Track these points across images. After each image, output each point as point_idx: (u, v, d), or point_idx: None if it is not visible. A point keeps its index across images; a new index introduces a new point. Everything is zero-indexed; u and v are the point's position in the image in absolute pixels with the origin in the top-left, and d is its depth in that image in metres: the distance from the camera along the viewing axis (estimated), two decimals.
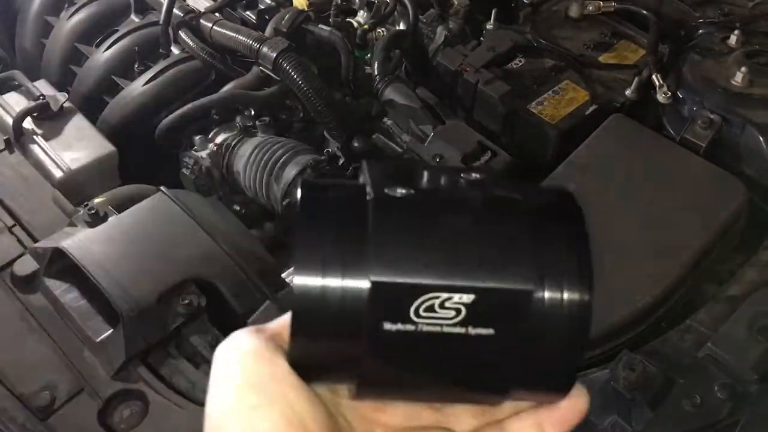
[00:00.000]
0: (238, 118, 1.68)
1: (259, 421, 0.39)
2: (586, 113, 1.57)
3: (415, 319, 0.39)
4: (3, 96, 1.60)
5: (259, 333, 0.43)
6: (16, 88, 1.63)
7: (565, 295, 0.40)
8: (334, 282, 0.39)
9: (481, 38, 1.77)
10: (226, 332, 0.44)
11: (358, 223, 0.40)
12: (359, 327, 0.39)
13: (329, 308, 0.39)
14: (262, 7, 1.82)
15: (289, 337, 0.41)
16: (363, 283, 0.39)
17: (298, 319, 0.40)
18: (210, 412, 0.41)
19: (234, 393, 0.40)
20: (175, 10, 1.74)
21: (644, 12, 1.71)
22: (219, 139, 1.67)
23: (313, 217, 0.41)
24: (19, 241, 1.32)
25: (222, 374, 0.42)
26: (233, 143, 1.64)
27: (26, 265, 1.25)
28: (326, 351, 0.41)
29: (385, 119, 1.65)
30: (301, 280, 0.39)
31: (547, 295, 0.39)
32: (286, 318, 0.44)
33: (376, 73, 1.66)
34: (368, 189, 0.41)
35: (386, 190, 0.40)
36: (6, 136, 1.52)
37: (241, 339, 0.43)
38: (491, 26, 1.78)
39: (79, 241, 1.22)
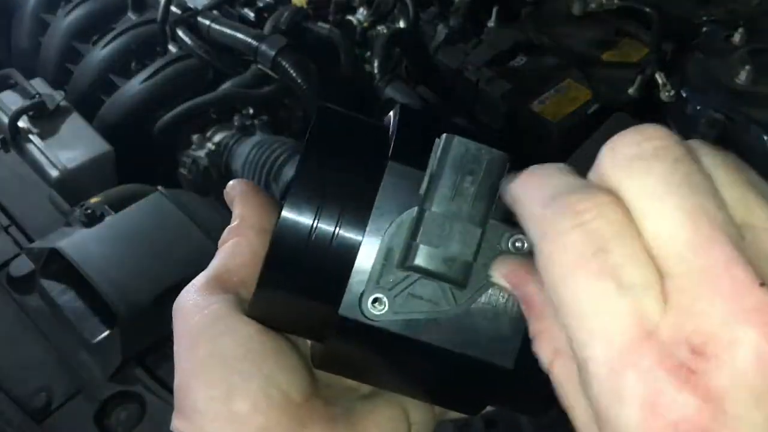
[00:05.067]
0: (236, 117, 1.66)
1: (235, 407, 0.35)
2: (589, 112, 1.55)
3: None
4: None
5: (216, 288, 0.39)
6: (12, 86, 1.62)
7: None
8: (324, 233, 0.34)
9: (482, 36, 1.75)
10: None
11: (370, 181, 0.35)
12: (339, 290, 0.34)
13: (313, 259, 0.35)
14: (261, 4, 1.81)
15: (257, 285, 0.36)
16: (356, 243, 0.34)
17: (275, 267, 0.35)
18: (181, 398, 0.37)
19: (202, 376, 0.36)
20: (172, 8, 1.73)
21: (647, 9, 1.70)
22: (217, 139, 1.65)
23: (323, 152, 0.36)
24: (15, 241, 1.31)
25: (185, 351, 0.37)
26: (231, 142, 1.63)
27: (22, 266, 1.24)
28: (295, 308, 0.37)
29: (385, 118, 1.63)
30: (290, 215, 0.34)
31: None
32: (228, 258, 0.40)
33: (376, 71, 1.65)
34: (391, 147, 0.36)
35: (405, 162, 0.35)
36: (2, 135, 1.50)
37: (200, 302, 0.38)
38: (492, 24, 1.76)
39: (76, 242, 1.20)
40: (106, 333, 1.16)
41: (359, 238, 0.34)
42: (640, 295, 0.25)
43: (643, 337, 0.24)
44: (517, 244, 0.34)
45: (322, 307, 0.36)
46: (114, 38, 1.75)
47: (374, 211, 0.34)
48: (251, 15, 1.79)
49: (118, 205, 1.32)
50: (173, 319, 0.40)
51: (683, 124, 1.51)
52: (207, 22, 1.71)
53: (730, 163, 0.28)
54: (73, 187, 1.45)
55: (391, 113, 0.39)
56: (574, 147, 1.42)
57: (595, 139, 1.42)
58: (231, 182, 0.44)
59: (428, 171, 0.34)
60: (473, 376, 0.36)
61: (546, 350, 0.30)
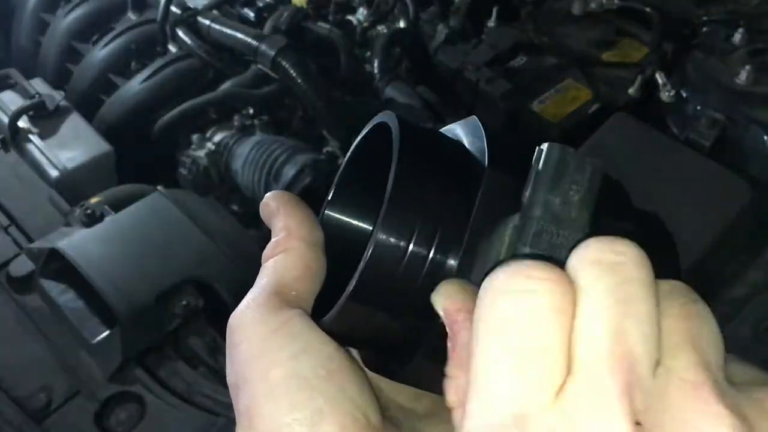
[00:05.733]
0: (236, 117, 1.66)
1: (325, 428, 0.33)
2: (589, 112, 1.55)
3: None
4: None
5: (280, 302, 0.36)
6: (12, 86, 1.62)
7: None
8: (419, 248, 0.34)
9: (483, 36, 1.75)
10: (224, 334, 0.39)
11: (462, 192, 0.34)
12: (428, 310, 0.33)
13: (405, 275, 0.34)
14: (261, 4, 1.81)
15: (343, 304, 0.35)
16: (453, 255, 0.34)
17: (364, 283, 0.34)
18: (254, 421, 0.34)
19: (285, 398, 0.33)
20: (172, 8, 1.72)
21: (647, 10, 1.70)
22: (217, 138, 1.65)
23: (414, 171, 0.35)
24: (15, 241, 1.31)
25: (258, 372, 0.34)
26: (231, 142, 1.63)
27: (22, 266, 1.24)
28: (377, 324, 0.36)
29: None
30: (385, 238, 0.33)
31: None
32: (281, 272, 0.38)
33: (376, 71, 1.65)
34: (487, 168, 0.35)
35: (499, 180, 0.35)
36: (2, 135, 1.50)
37: (271, 317, 0.35)
38: (493, 24, 1.76)
39: (76, 242, 1.20)
40: (106, 333, 1.15)
41: (457, 248, 0.34)
42: (534, 386, 0.26)
43: (515, 418, 0.26)
44: None
45: (411, 322, 0.35)
46: (114, 38, 1.75)
47: (473, 219, 0.34)
48: (251, 15, 1.79)
49: (118, 205, 1.32)
50: (231, 338, 0.36)
51: (683, 124, 1.51)
52: (207, 22, 1.71)
53: (691, 307, 0.29)
54: (73, 187, 1.45)
55: (461, 126, 0.39)
56: (574, 147, 1.41)
57: (595, 139, 1.42)
58: (270, 194, 0.41)
59: (531, 178, 0.33)
60: None
61: (452, 394, 0.31)
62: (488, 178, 0.35)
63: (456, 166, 0.36)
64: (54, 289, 1.21)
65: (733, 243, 1.33)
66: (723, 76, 1.52)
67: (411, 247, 0.34)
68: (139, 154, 1.63)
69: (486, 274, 0.32)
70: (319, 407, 0.33)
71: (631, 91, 1.58)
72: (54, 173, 1.47)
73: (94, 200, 1.33)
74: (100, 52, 1.75)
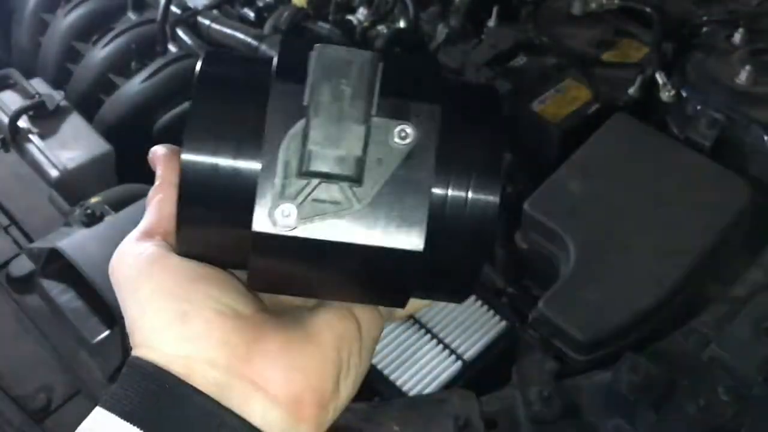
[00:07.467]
0: None
1: (192, 328, 0.37)
2: (589, 112, 1.55)
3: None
4: None
5: (146, 237, 0.42)
6: (12, 86, 1.62)
7: (470, 195, 0.37)
8: (225, 161, 0.37)
9: (483, 36, 1.75)
10: None
11: (257, 105, 0.37)
12: (248, 213, 0.36)
13: (219, 189, 0.37)
14: (261, 4, 1.81)
15: (177, 226, 0.39)
16: (255, 165, 0.36)
17: (187, 203, 0.38)
18: (135, 335, 0.38)
19: (156, 311, 0.38)
20: (172, 8, 1.73)
21: (648, 9, 1.70)
22: None
23: (211, 92, 0.38)
24: (15, 241, 1.31)
25: (129, 296, 0.39)
26: None
27: (22, 266, 1.25)
28: (215, 238, 0.39)
29: None
30: (190, 157, 0.37)
31: (450, 193, 0.37)
32: (154, 213, 0.43)
33: None
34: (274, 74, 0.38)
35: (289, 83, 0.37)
36: (1, 135, 1.50)
37: (133, 250, 0.41)
38: (492, 24, 1.76)
39: (76, 242, 1.20)
40: (106, 333, 1.16)
41: (258, 159, 0.36)
42: None
43: None
44: (402, 134, 0.37)
45: (239, 232, 0.37)
46: (114, 38, 1.75)
47: (267, 132, 0.36)
48: (251, 15, 1.79)
49: (118, 205, 1.32)
50: (111, 276, 0.42)
51: (683, 124, 1.50)
52: (207, 22, 1.71)
53: None
54: (73, 187, 1.45)
55: None
56: (575, 147, 1.42)
57: (595, 139, 1.42)
58: (154, 147, 0.47)
59: (308, 82, 0.36)
60: (389, 267, 0.38)
61: None
62: (274, 88, 0.37)
63: (257, 81, 0.38)
64: (54, 289, 1.21)
65: (733, 243, 1.33)
66: (723, 76, 1.52)
67: (217, 159, 0.37)
68: (139, 154, 1.62)
69: (286, 176, 0.36)
70: (183, 310, 0.38)
71: (631, 91, 1.58)
72: (54, 173, 1.47)
73: (94, 200, 1.33)
74: (100, 52, 1.75)
